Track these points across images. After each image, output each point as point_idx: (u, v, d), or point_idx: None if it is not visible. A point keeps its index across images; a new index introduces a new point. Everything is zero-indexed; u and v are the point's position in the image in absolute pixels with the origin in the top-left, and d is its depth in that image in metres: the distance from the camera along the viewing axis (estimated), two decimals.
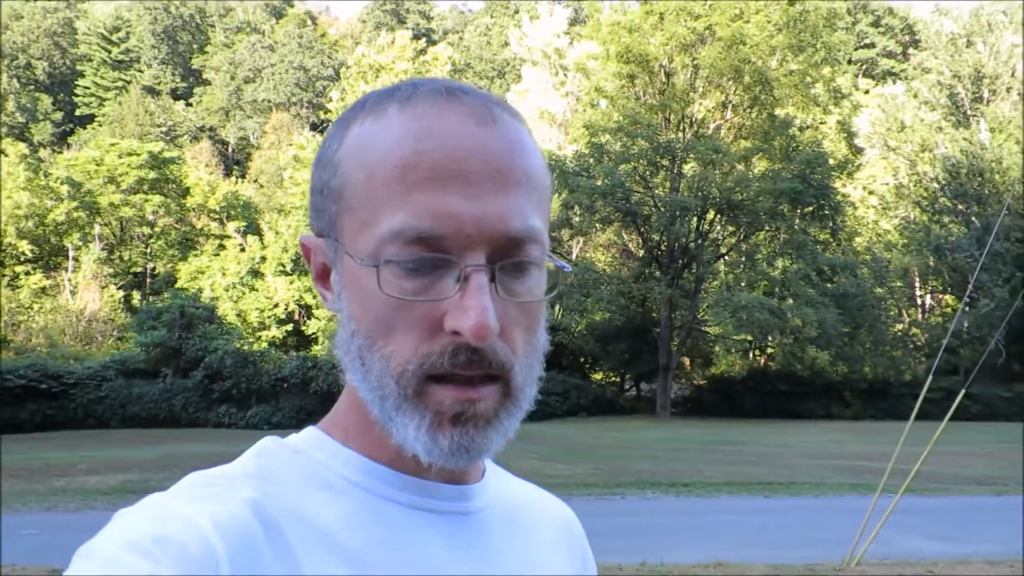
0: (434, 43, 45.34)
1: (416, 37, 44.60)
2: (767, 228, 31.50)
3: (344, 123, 0.66)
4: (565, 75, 34.42)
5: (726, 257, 33.16)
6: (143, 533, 0.55)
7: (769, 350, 34.38)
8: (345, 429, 0.68)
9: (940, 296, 34.50)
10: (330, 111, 38.59)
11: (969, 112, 37.08)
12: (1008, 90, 36.49)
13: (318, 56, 59.43)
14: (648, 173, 30.76)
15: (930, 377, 7.73)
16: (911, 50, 48.30)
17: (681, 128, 31.57)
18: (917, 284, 37.57)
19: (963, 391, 6.79)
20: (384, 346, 0.61)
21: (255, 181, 47.75)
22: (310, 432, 0.69)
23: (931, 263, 34.20)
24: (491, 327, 0.58)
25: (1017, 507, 11.43)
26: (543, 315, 0.66)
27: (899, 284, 36.70)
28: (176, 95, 63.20)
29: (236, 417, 22.51)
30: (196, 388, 23.07)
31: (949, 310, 35.94)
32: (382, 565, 0.61)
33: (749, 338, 33.28)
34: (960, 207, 33.72)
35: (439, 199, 0.60)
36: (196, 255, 38.61)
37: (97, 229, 38.00)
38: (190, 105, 62.55)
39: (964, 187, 33.55)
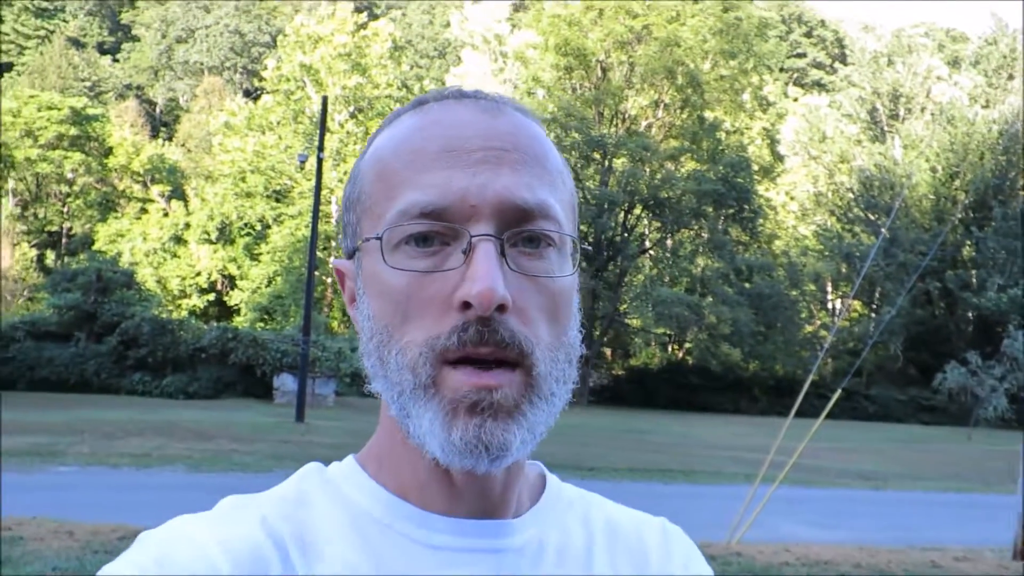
0: (376, 17, 44.80)
1: (358, 10, 43.97)
2: (690, 226, 32.53)
3: (368, 143, 0.69)
4: (504, 62, 34.65)
5: (650, 252, 34.09)
6: (149, 555, 0.56)
7: (687, 344, 35.52)
8: (379, 460, 0.66)
9: (848, 301, 36.25)
10: (264, 79, 37.75)
11: (886, 128, 38.92)
12: (922, 110, 38.45)
13: (255, 21, 58.03)
14: (579, 166, 31.40)
15: (826, 378, 8.36)
16: (838, 64, 50.16)
17: (614, 123, 32.28)
18: (829, 288, 39.33)
19: (839, 390, 7.39)
20: (400, 338, 0.59)
21: (183, 145, 46.48)
22: (347, 463, 0.68)
23: (842, 269, 35.82)
24: (497, 292, 0.56)
25: (890, 501, 12.39)
26: (572, 308, 0.64)
27: (812, 288, 38.36)
28: (103, 49, 60.72)
29: (150, 385, 22.19)
30: (110, 354, 22.60)
31: (856, 315, 37.77)
32: None
33: (668, 332, 34.38)
34: (871, 217, 35.43)
35: (443, 175, 0.59)
36: (116, 217, 37.51)
37: (11, 184, 36.51)
38: (117, 61, 60.26)
39: (876, 199, 35.27)
